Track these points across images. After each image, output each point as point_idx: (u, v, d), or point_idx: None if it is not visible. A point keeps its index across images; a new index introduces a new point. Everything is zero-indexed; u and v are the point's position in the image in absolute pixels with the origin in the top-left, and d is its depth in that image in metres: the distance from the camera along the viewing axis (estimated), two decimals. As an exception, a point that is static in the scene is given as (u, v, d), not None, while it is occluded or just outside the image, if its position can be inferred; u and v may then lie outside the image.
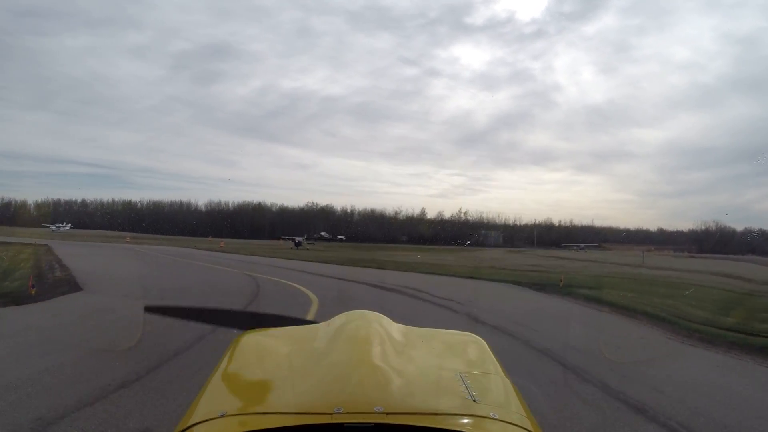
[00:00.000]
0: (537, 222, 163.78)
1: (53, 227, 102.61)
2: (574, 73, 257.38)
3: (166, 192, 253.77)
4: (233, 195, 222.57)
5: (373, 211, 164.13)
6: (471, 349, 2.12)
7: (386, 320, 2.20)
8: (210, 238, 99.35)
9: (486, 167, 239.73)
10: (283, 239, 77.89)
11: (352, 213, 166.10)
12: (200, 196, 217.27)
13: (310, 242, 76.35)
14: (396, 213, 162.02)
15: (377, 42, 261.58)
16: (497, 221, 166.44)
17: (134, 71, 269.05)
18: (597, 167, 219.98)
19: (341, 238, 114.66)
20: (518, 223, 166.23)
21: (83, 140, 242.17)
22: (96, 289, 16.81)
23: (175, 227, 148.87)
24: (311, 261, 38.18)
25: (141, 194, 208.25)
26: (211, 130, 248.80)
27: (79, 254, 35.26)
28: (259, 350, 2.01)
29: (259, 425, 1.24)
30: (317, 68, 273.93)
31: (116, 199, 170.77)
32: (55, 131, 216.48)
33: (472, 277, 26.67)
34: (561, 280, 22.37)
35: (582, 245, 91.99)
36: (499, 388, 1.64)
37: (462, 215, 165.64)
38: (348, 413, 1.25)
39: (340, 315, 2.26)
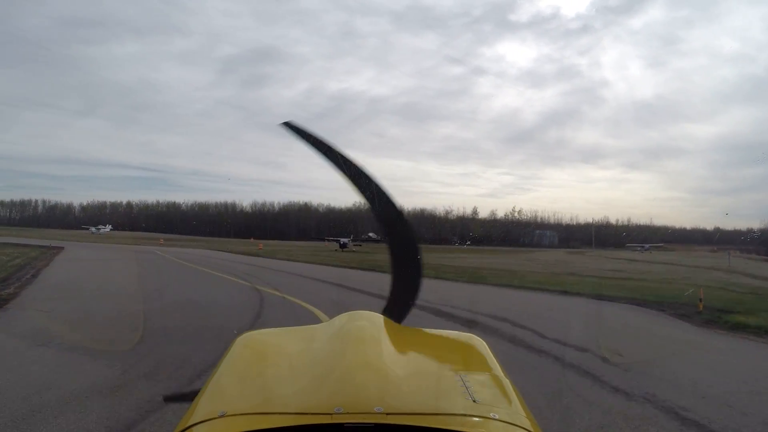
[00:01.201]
0: (594, 221, 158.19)
1: (93, 229, 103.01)
2: (622, 68, 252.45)
3: (214, 194, 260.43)
4: (280, 197, 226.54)
5: (422, 211, 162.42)
6: (471, 349, 2.08)
7: (386, 320, 2.19)
8: (252, 240, 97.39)
9: (535, 166, 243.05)
10: (328, 240, 75.60)
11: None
12: (247, 198, 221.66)
13: (356, 243, 72.40)
14: (447, 213, 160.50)
15: (422, 42, 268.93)
16: (550, 220, 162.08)
17: (182, 77, 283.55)
18: (647, 164, 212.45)
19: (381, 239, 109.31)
20: (574, 223, 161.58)
21: (133, 145, 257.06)
22: (25, 307, 13.47)
23: (220, 229, 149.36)
24: (354, 267, 32.26)
25: (189, 197, 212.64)
26: (259, 133, 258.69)
27: (80, 259, 32.66)
28: (259, 350, 2.00)
29: (259, 425, 1.24)
30: (363, 69, 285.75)
31: (161, 201, 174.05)
32: (105, 136, 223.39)
33: (564, 292, 19.87)
34: (700, 302, 15.29)
35: (646, 245, 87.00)
36: (499, 389, 1.62)
37: (515, 214, 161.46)
38: (348, 413, 1.25)
39: (340, 315, 2.22)
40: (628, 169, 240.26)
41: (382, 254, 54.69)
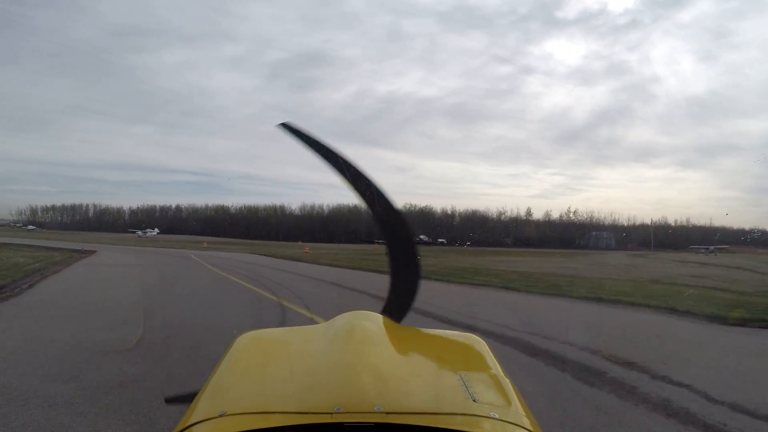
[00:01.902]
0: (653, 222, 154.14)
1: (140, 233, 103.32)
2: (672, 63, 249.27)
3: (264, 198, 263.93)
4: (330, 199, 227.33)
5: (474, 213, 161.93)
6: (471, 349, 2.10)
7: (386, 320, 2.24)
8: (299, 243, 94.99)
9: (586, 165, 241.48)
10: (378, 243, 73.62)
11: (452, 215, 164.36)
12: (297, 201, 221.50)
13: None
14: (500, 214, 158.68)
15: (469, 41, 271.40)
16: (606, 221, 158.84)
17: (231, 82, 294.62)
18: (701, 162, 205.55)
19: (442, 242, 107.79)
20: (632, 223, 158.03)
21: (184, 150, 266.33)
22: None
23: (269, 232, 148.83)
24: None
25: (239, 200, 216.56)
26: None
27: (100, 264, 30.13)
28: (259, 350, 1.99)
29: (259, 425, 1.25)
30: (411, 71, 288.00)
31: (209, 205, 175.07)
32: (157, 142, 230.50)
33: (671, 310, 14.81)
34: None
35: (711, 248, 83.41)
36: (499, 388, 1.62)
37: (571, 215, 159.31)
38: (348, 413, 1.26)
39: (341, 315, 2.26)
40: (681, 168, 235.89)
41: (434, 258, 50.98)
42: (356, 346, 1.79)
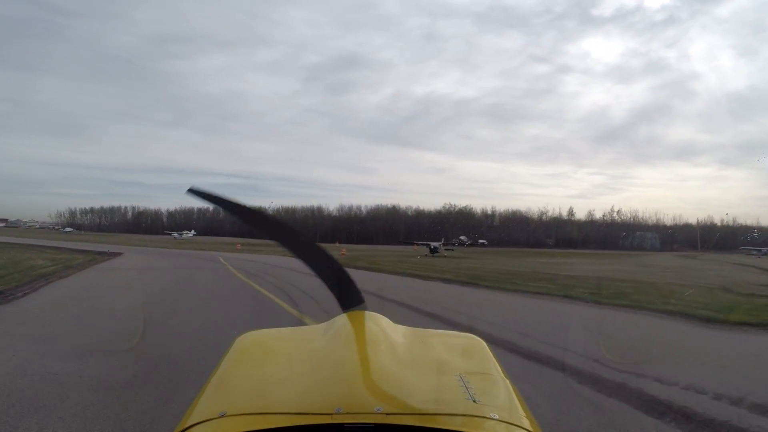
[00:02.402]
0: (699, 222, 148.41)
1: (176, 234, 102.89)
2: (712, 59, 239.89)
3: (303, 200, 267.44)
4: (368, 201, 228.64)
5: (514, 213, 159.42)
6: (471, 349, 2.07)
7: (386, 321, 2.23)
8: (337, 244, 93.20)
9: (625, 164, 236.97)
10: (417, 245, 71.48)
11: (492, 215, 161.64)
12: (334, 203, 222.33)
13: (448, 248, 65.92)
14: (541, 214, 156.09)
15: (506, 41, 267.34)
16: (649, 221, 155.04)
17: (268, 86, 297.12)
18: (743, 160, 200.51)
19: (483, 243, 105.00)
20: (675, 223, 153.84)
21: (223, 153, 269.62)
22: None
23: (307, 233, 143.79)
24: (450, 280, 24.45)
25: (278, 202, 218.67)
26: (346, 139, 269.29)
27: (117, 268, 28.21)
28: (259, 350, 2.01)
29: (259, 425, 1.24)
30: (448, 72, 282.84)
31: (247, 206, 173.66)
32: (196, 146, 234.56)
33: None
34: None
35: (764, 249, 79.26)
36: (499, 389, 1.62)
37: (614, 214, 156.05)
38: (348, 413, 1.25)
39: (341, 315, 2.26)
40: (723, 166, 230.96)
41: (477, 260, 46.45)
42: (356, 346, 1.79)
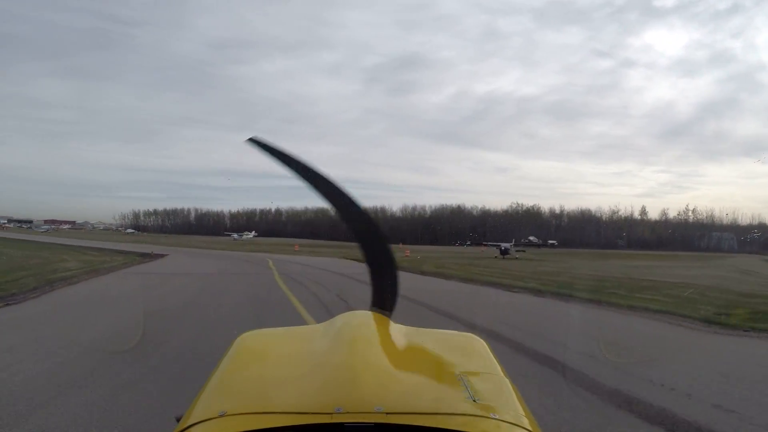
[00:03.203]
0: None
1: (235, 236, 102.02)
2: None
3: (366, 201, 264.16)
4: (432, 201, 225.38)
5: (583, 212, 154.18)
6: (471, 349, 2.05)
7: (386, 320, 2.24)
8: (400, 246, 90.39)
9: (692, 161, 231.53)
10: (486, 245, 68.87)
11: (561, 214, 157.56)
12: (398, 203, 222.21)
13: (519, 249, 62.03)
14: (612, 213, 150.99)
15: (566, 37, 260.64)
16: (724, 221, 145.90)
17: (331, 88, 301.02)
18: None
19: (553, 243, 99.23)
20: (750, 223, 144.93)
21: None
22: None
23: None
24: (536, 291, 19.44)
25: None
26: (409, 139, 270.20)
27: (149, 273, 24.86)
28: (259, 350, 2.00)
29: (259, 425, 1.24)
30: (509, 70, 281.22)
31: (309, 207, 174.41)
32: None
33: None
34: None
35: None
36: (498, 388, 1.61)
37: (689, 213, 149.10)
38: (348, 413, 1.25)
39: (341, 315, 2.25)
40: None
41: (551, 262, 37.44)
42: (356, 346, 1.78)
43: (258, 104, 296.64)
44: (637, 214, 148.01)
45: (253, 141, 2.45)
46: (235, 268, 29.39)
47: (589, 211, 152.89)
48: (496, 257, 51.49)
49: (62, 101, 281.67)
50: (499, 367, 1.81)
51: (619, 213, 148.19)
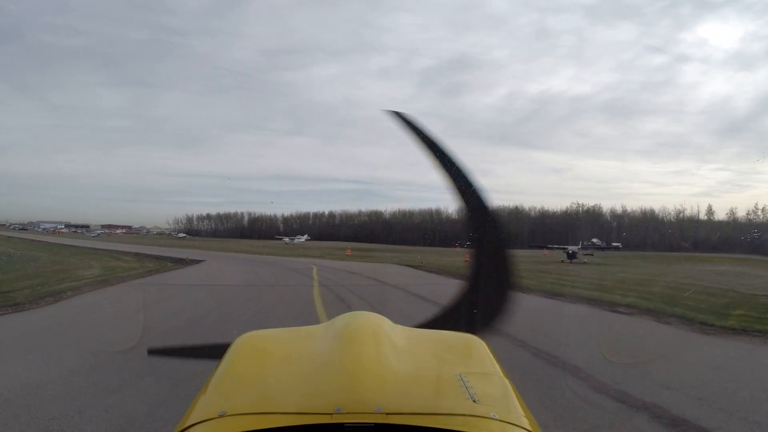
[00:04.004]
0: None
1: (287, 240, 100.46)
2: None
3: (421, 204, 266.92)
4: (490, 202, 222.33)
5: (645, 212, 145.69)
6: (471, 349, 2.07)
7: (386, 321, 2.19)
8: (457, 248, 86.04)
9: (752, 158, 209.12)
10: (548, 248, 64.40)
11: (623, 215, 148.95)
12: (454, 206, 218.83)
13: (587, 252, 56.20)
14: (678, 213, 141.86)
15: (619, 33, 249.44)
16: None
17: (383, 92, 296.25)
18: None
19: (617, 246, 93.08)
20: None
21: (340, 159, 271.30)
22: None
23: (424, 237, 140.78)
24: (651, 312, 14.47)
25: (396, 207, 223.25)
26: (463, 141, 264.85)
27: (169, 283, 21.74)
28: (259, 350, 1.97)
29: (259, 425, 1.25)
30: (561, 68, 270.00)
31: (363, 210, 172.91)
32: (313, 153, 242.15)
33: None
34: None
35: None
36: (498, 389, 1.63)
37: (758, 212, 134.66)
38: (348, 413, 1.26)
39: (341, 315, 2.24)
40: None
41: (631, 268, 40.42)
42: (356, 347, 1.77)
43: (311, 109, 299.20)
44: (703, 215, 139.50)
45: (398, 115, 2.38)
46: (271, 277, 25.42)
47: (652, 210, 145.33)
48: (562, 261, 46.76)
49: (119, 110, 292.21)
50: (498, 367, 1.80)
51: (684, 213, 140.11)
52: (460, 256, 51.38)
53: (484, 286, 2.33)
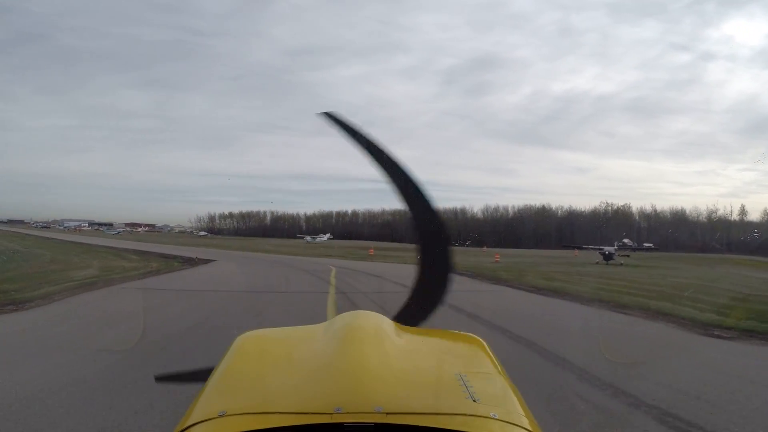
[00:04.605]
0: None
1: (308, 238, 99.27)
2: None
3: (445, 203, 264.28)
4: (512, 203, 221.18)
5: (676, 212, 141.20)
6: (471, 349, 2.07)
7: (386, 320, 2.18)
8: (485, 249, 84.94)
9: None
10: (580, 249, 62.65)
11: (654, 215, 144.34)
12: (478, 204, 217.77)
13: (623, 254, 51.65)
14: (711, 213, 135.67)
15: (643, 31, 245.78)
16: None
17: (407, 91, 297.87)
18: None
19: (649, 247, 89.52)
20: None
21: (365, 159, 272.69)
22: None
23: (450, 235, 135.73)
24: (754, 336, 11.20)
25: None
26: (486, 140, 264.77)
27: (156, 288, 19.13)
28: (259, 350, 1.97)
29: (259, 425, 1.25)
30: (586, 67, 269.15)
31: (386, 209, 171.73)
32: (338, 153, 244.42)
33: None
34: None
35: None
36: (498, 388, 1.62)
37: None
38: (348, 413, 1.25)
39: (341, 315, 2.21)
40: None
41: (675, 271, 36.25)
42: (356, 346, 1.74)
43: (335, 108, 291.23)
44: (735, 215, 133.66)
45: (329, 116, 2.35)
46: (281, 282, 22.49)
47: (683, 210, 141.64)
48: (597, 263, 43.70)
49: (144, 111, 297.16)
50: (499, 367, 1.79)
51: (717, 213, 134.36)
52: (488, 257, 48.36)
53: (428, 280, 2.38)
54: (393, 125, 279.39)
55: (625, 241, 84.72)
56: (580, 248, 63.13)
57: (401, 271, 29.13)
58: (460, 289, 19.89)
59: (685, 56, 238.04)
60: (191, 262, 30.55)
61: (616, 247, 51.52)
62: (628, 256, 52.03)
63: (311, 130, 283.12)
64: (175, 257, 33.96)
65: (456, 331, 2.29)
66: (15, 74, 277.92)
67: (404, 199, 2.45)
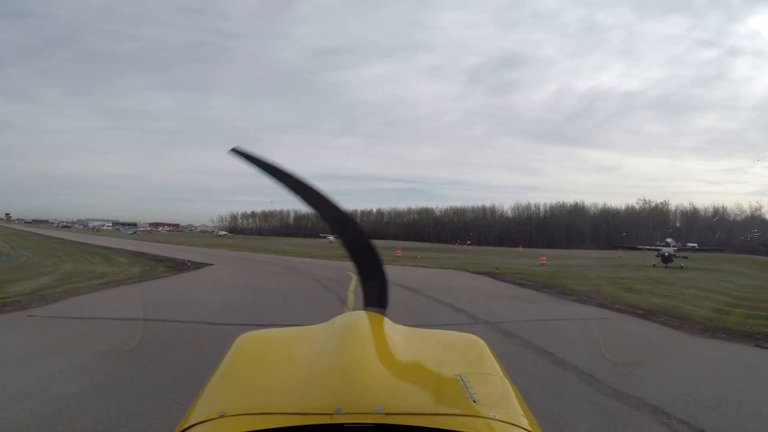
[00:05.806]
0: None
1: (330, 238, 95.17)
2: None
3: (470, 203, 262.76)
4: (538, 201, 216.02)
5: (717, 210, 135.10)
6: (471, 349, 2.01)
7: (386, 321, 2.16)
8: (520, 249, 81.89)
9: None
10: (622, 248, 60.08)
11: (693, 212, 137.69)
12: (505, 204, 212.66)
13: (682, 255, 45.04)
14: (753, 210, 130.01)
15: (668, 27, 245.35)
16: None
17: (431, 91, 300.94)
18: None
19: (693, 246, 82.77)
20: None
21: (389, 158, 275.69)
22: None
23: (479, 235, 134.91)
24: None
25: (444, 204, 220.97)
26: (511, 139, 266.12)
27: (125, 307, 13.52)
28: (259, 350, 1.94)
29: (259, 425, 1.24)
30: (611, 64, 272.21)
31: (413, 208, 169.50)
32: (362, 152, 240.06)
33: None
34: None
35: None
36: (498, 389, 1.60)
37: None
38: (348, 413, 1.25)
39: (341, 315, 2.19)
40: None
41: (738, 276, 31.90)
42: (356, 347, 1.74)
43: (359, 108, 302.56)
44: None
45: (236, 151, 2.39)
46: (277, 301, 16.67)
47: (724, 208, 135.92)
48: (654, 266, 38.17)
49: (168, 112, 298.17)
50: (499, 368, 1.78)
51: (761, 211, 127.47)
52: (530, 258, 42.84)
53: (367, 273, 2.35)
54: (417, 124, 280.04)
55: (668, 240, 79.13)
56: (631, 248, 60.33)
57: (440, 280, 23.42)
58: (539, 314, 14.36)
59: (711, 52, 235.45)
60: (182, 266, 25.60)
61: (676, 248, 46.53)
62: (686, 257, 46.01)
63: (334, 129, 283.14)
64: (167, 260, 29.60)
65: (456, 332, 2.22)
66: (44, 77, 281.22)
67: (321, 215, 2.51)
